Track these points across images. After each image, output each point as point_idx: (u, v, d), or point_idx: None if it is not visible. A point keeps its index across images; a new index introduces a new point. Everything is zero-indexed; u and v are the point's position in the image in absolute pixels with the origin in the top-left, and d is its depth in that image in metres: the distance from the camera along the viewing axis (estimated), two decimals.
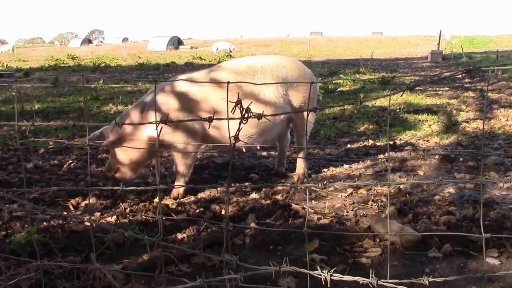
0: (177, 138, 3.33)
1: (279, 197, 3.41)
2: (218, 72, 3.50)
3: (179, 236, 2.72)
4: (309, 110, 1.49)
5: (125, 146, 3.28)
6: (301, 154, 3.87)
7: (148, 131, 3.30)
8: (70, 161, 4.46)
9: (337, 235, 2.60)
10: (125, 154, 3.41)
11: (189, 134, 3.36)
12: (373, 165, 4.16)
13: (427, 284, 1.33)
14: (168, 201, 3.31)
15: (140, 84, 10.59)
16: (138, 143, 3.29)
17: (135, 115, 3.33)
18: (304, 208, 3.10)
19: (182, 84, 3.33)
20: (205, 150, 4.61)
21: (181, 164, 3.48)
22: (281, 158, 4.06)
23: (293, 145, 5.06)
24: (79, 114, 7.15)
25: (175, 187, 3.46)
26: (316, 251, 2.48)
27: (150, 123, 1.67)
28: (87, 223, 2.81)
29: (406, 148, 4.76)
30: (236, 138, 1.45)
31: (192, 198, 3.45)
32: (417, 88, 8.24)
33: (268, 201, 3.30)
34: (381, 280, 1.35)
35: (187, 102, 3.32)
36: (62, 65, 21.29)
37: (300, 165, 3.89)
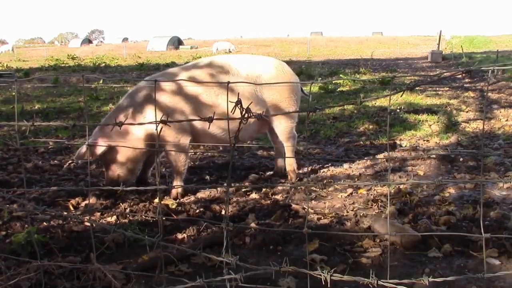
0: (167, 135, 3.33)
1: (279, 197, 3.41)
2: (192, 69, 3.54)
3: (179, 236, 2.72)
4: (309, 111, 1.49)
5: (125, 146, 3.27)
6: (288, 153, 3.83)
7: (143, 129, 3.31)
8: (70, 161, 4.46)
9: (337, 235, 2.60)
10: (120, 158, 3.40)
11: (178, 130, 3.37)
12: (373, 165, 4.16)
13: (427, 284, 1.32)
14: (168, 201, 3.31)
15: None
16: (131, 143, 3.28)
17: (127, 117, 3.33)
18: (304, 208, 3.10)
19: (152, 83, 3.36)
20: (205, 150, 4.61)
21: (175, 162, 3.49)
22: (279, 158, 4.04)
23: None
24: (79, 114, 7.14)
25: (175, 187, 3.46)
26: (316, 251, 2.48)
27: (150, 123, 1.67)
28: (87, 223, 2.81)
29: (406, 148, 4.76)
30: (236, 138, 1.45)
31: (192, 198, 3.46)
32: (417, 88, 8.24)
33: (268, 201, 3.30)
34: (381, 280, 1.35)
35: (165, 100, 3.35)
36: (62, 65, 21.28)
37: (288, 162, 3.86)
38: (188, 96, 3.40)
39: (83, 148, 3.31)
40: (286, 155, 3.89)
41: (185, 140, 3.45)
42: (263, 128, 3.86)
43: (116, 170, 3.43)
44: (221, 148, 4.54)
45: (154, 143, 3.31)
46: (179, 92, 3.39)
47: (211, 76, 3.45)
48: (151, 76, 4.23)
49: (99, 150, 3.29)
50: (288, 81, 3.61)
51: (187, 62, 3.93)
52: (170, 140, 3.37)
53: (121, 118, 3.28)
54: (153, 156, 3.72)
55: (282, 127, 3.73)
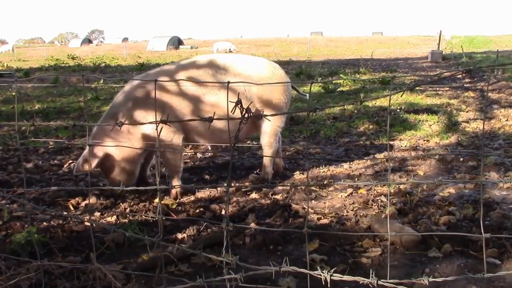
0: (160, 135, 3.30)
1: (279, 197, 3.41)
2: (181, 67, 3.52)
3: (179, 236, 2.72)
4: (309, 111, 1.49)
5: (124, 146, 3.27)
6: (267, 152, 3.75)
7: (138, 130, 3.30)
8: (70, 161, 4.47)
9: (337, 235, 2.60)
10: (118, 163, 3.40)
11: (170, 129, 3.34)
12: (373, 165, 4.16)
13: (427, 284, 1.33)
14: (168, 201, 3.31)
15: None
16: (128, 145, 3.27)
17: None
18: (304, 208, 3.10)
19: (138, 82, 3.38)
20: (205, 150, 4.61)
21: (171, 161, 3.49)
22: (278, 158, 4.02)
23: (293, 145, 5.06)
24: (79, 114, 7.15)
25: (175, 187, 3.46)
26: (316, 251, 2.48)
27: (151, 123, 1.67)
28: (87, 223, 2.81)
29: (406, 148, 4.76)
30: (237, 137, 1.45)
31: (192, 198, 3.46)
32: (417, 88, 8.20)
33: (268, 201, 3.30)
34: (381, 280, 1.35)
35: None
36: (62, 65, 21.29)
37: (264, 164, 3.78)
38: (177, 95, 3.36)
39: (81, 161, 3.30)
40: (264, 153, 3.84)
41: (178, 139, 3.43)
42: (253, 130, 3.81)
43: (116, 176, 3.42)
44: (210, 148, 4.51)
45: (151, 143, 3.31)
46: (168, 91, 3.36)
47: (201, 75, 3.41)
48: (137, 76, 4.21)
49: (95, 160, 3.28)
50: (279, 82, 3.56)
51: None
52: (163, 139, 3.35)
53: (118, 120, 3.26)
54: (151, 155, 3.72)
55: (268, 128, 3.66)
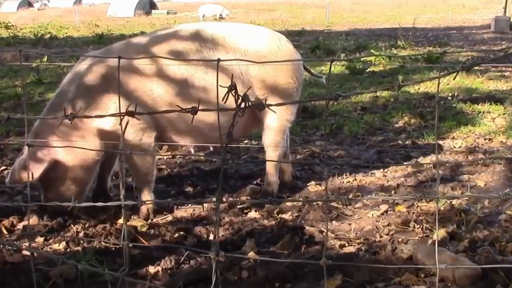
0: (126, 131, 3.26)
1: (287, 216, 3.42)
2: (154, 40, 3.53)
3: (152, 269, 2.72)
4: (328, 99, 1.49)
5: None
6: (271, 155, 3.77)
7: (101, 125, 3.30)
8: (2, 168, 4.46)
9: (367, 268, 2.61)
10: (66, 174, 3.38)
11: (138, 124, 3.31)
12: (416, 172, 4.17)
13: None
14: (137, 221, 3.32)
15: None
16: (85, 144, 3.27)
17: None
18: (321, 232, 3.11)
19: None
20: (187, 153, 4.61)
21: (139, 167, 3.49)
22: (284, 164, 4.01)
23: (307, 145, 5.07)
24: (15, 104, 7.15)
25: (146, 203, 3.46)
26: None
27: (113, 115, 1.68)
28: (26, 252, 2.81)
29: (460, 149, 4.76)
30: (230, 135, 1.45)
31: (169, 217, 3.46)
32: (475, 68, 8.19)
33: (273, 222, 3.31)
34: None
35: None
36: None
37: (268, 172, 3.81)
38: (149, 78, 3.37)
39: (17, 168, 3.27)
40: (267, 157, 3.86)
41: (149, 138, 3.43)
42: (252, 126, 3.84)
43: (64, 190, 3.40)
44: (193, 151, 4.52)
45: (112, 143, 3.30)
46: (136, 72, 3.37)
47: (181, 51, 3.42)
48: (94, 52, 4.20)
49: (39, 168, 3.26)
50: (286, 60, 3.55)
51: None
52: (129, 138, 3.33)
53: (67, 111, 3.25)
54: (112, 159, 3.71)
55: (272, 122, 3.67)
